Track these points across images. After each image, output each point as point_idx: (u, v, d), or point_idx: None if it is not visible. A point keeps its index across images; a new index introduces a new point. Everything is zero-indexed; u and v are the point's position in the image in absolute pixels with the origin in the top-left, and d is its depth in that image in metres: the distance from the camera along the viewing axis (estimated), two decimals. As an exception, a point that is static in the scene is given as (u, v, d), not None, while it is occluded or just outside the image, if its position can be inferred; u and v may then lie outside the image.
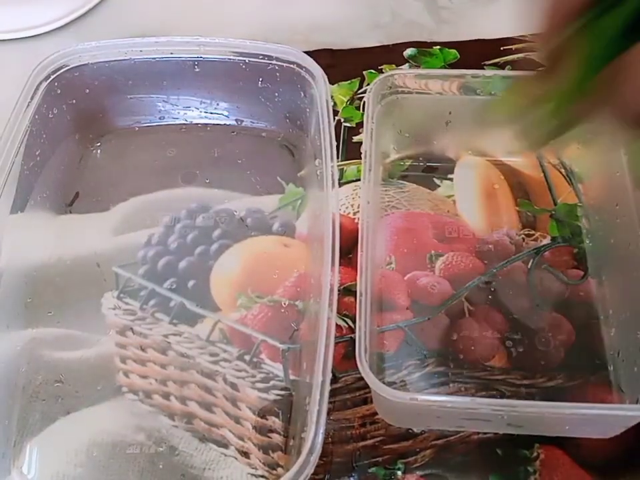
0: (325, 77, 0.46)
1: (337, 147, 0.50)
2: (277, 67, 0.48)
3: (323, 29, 0.61)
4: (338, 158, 0.51)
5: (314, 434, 0.32)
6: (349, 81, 0.56)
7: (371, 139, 0.43)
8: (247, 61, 0.48)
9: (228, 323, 0.43)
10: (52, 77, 0.47)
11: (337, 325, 0.41)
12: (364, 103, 0.55)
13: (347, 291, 0.45)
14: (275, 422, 0.39)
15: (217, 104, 0.51)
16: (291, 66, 0.47)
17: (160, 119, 0.52)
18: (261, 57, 0.47)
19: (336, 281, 0.37)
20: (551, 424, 0.37)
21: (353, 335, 0.43)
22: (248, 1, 0.64)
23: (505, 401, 0.33)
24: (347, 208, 0.49)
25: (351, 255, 0.46)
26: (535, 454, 0.39)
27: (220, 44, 0.48)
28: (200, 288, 0.45)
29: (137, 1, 0.63)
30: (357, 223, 0.48)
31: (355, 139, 0.53)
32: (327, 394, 0.33)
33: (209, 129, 0.52)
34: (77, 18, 0.61)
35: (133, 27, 0.60)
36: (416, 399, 0.33)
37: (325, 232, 0.39)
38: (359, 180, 0.50)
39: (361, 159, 0.51)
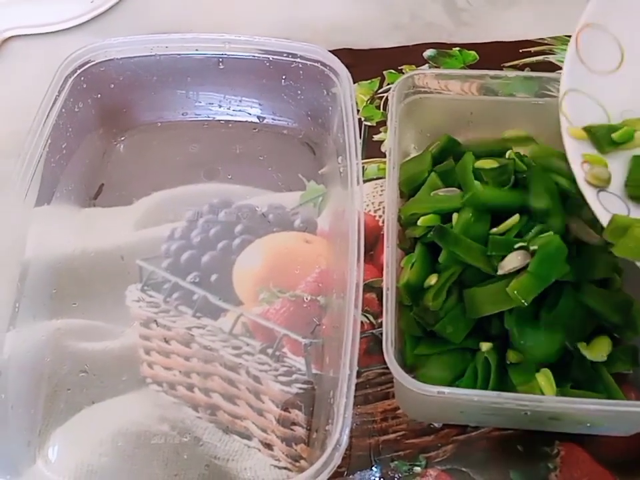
0: (349, 75, 0.46)
1: (359, 145, 0.51)
2: (300, 65, 0.48)
3: (343, 30, 0.61)
4: (361, 156, 0.51)
5: (341, 427, 0.33)
6: (369, 81, 0.57)
7: (395, 137, 0.43)
8: (271, 59, 0.48)
9: (250, 317, 0.44)
10: (78, 71, 0.47)
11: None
12: (385, 102, 0.55)
13: (369, 287, 0.45)
14: (297, 415, 0.40)
15: (240, 101, 0.52)
16: (315, 64, 0.47)
17: (183, 114, 0.53)
18: (285, 54, 0.48)
19: (361, 277, 0.37)
20: (573, 421, 0.37)
21: (374, 331, 0.44)
22: (268, 0, 0.64)
23: (531, 395, 0.34)
24: (367, 206, 0.49)
25: (372, 252, 0.47)
26: (555, 451, 0.39)
27: (245, 41, 0.48)
28: (222, 282, 0.45)
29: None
30: (378, 221, 0.49)
31: (376, 137, 0.54)
32: (353, 387, 0.34)
33: (230, 125, 0.53)
34: (100, 14, 0.61)
35: (154, 24, 0.60)
36: (443, 392, 0.33)
37: (350, 229, 0.39)
38: (380, 178, 0.51)
39: (381, 157, 0.52)
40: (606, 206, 0.35)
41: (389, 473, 0.39)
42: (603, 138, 0.37)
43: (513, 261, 0.37)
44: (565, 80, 0.37)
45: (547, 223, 0.38)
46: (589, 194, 0.35)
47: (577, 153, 0.36)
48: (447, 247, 0.38)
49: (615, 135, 0.37)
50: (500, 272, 0.37)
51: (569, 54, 0.37)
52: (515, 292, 0.36)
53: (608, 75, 0.38)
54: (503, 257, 0.38)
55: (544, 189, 0.39)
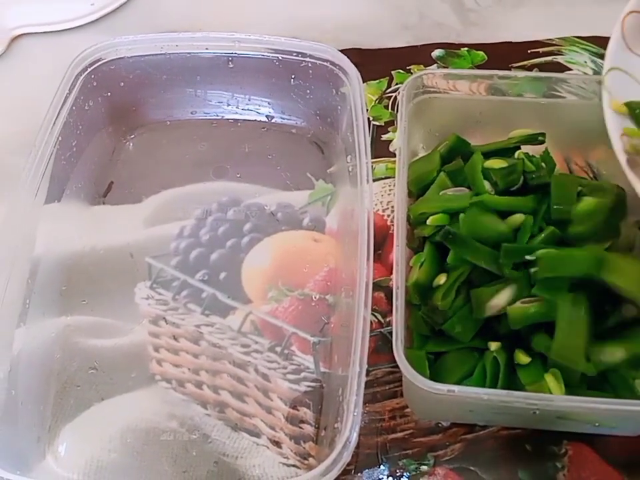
0: (359, 74, 0.46)
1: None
2: (310, 64, 0.48)
3: (351, 29, 0.61)
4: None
5: (350, 425, 0.33)
6: (377, 80, 0.57)
7: (404, 136, 0.43)
8: (280, 58, 0.48)
9: (259, 315, 0.44)
10: (89, 69, 0.47)
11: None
12: (393, 101, 0.56)
13: (377, 286, 0.45)
14: (306, 413, 0.40)
15: (249, 100, 0.52)
16: (325, 64, 0.48)
17: (192, 113, 0.53)
18: (294, 54, 0.48)
19: (371, 276, 0.37)
20: (582, 420, 0.37)
21: (382, 330, 0.44)
22: (277, 0, 0.64)
23: (541, 394, 0.34)
24: (376, 205, 0.50)
25: (380, 251, 0.47)
26: (563, 450, 0.39)
27: (255, 40, 0.48)
28: (231, 280, 0.45)
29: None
30: (386, 220, 0.49)
31: (384, 137, 0.54)
32: (362, 385, 0.34)
33: (239, 124, 0.53)
34: (109, 13, 0.61)
35: (163, 23, 0.61)
36: (453, 390, 0.33)
37: (360, 228, 0.39)
38: (388, 178, 0.51)
39: (389, 157, 0.52)
40: None
41: (397, 471, 0.39)
42: None
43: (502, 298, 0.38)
44: (609, 58, 0.41)
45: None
46: (623, 160, 0.37)
47: (617, 125, 0.38)
48: (455, 248, 0.39)
49: None
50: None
51: (615, 36, 0.41)
52: None
53: None
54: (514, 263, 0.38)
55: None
